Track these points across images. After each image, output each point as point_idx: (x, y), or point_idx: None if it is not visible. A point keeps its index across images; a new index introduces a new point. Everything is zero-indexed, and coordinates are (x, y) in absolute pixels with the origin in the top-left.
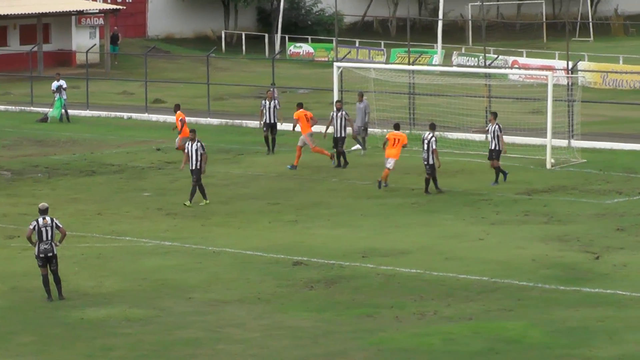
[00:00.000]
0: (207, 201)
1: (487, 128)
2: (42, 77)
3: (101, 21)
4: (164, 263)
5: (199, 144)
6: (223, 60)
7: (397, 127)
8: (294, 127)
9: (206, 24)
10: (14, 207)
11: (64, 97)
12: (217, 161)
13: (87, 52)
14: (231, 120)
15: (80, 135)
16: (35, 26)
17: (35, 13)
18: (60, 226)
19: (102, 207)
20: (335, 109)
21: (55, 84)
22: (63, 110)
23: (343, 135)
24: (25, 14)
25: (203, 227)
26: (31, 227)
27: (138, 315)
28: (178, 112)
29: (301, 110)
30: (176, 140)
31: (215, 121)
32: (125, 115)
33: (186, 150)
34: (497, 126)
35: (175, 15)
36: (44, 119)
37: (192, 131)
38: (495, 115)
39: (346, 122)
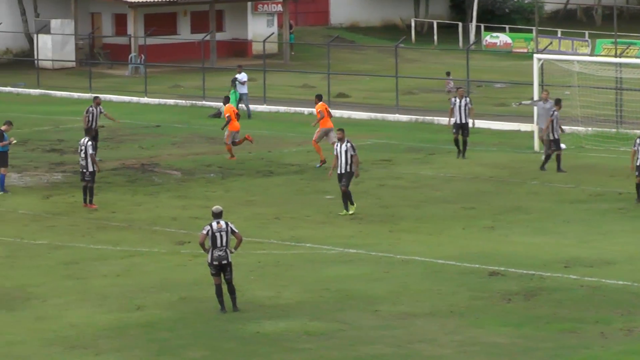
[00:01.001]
0: (350, 212)
1: None
2: (214, 69)
3: (279, 8)
4: (347, 272)
5: (349, 144)
6: (412, 51)
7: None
8: (317, 121)
9: (394, 12)
10: (184, 210)
11: (244, 90)
12: (406, 161)
13: (264, 41)
14: (421, 117)
15: (257, 132)
16: (208, 13)
17: None
18: (236, 231)
19: (280, 211)
20: (458, 95)
21: (240, 77)
22: (242, 105)
23: (465, 122)
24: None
25: (391, 233)
26: (204, 232)
27: (319, 329)
28: (227, 105)
29: (321, 103)
30: (225, 134)
31: (404, 117)
32: (306, 110)
33: (335, 152)
34: None
35: (361, 2)
36: (217, 114)
37: (341, 130)
38: None
39: (469, 111)
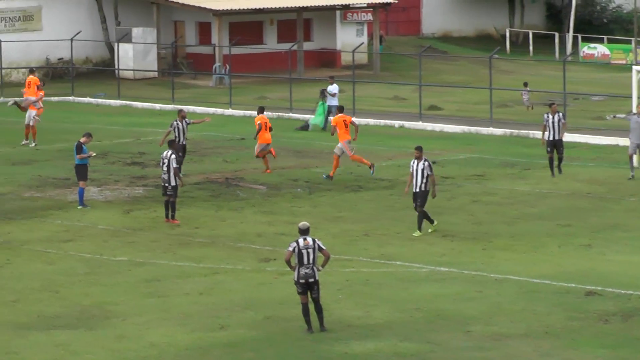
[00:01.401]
0: (430, 230)
1: None
2: (302, 79)
3: (369, 17)
4: (439, 291)
5: (426, 162)
6: (507, 62)
7: None
8: (332, 133)
9: (489, 21)
10: (270, 226)
11: (334, 103)
12: (500, 176)
13: (353, 51)
14: (516, 130)
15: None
16: (295, 22)
17: (296, 7)
18: (323, 248)
19: (369, 227)
20: (550, 111)
21: (331, 89)
22: (331, 118)
23: (558, 138)
24: (284, 7)
25: (484, 251)
26: (290, 248)
27: (410, 350)
28: (259, 115)
29: (340, 115)
30: (255, 147)
31: (498, 131)
32: (397, 123)
33: (411, 170)
34: None
35: (454, 11)
36: (305, 126)
37: (418, 148)
38: None
39: (562, 127)
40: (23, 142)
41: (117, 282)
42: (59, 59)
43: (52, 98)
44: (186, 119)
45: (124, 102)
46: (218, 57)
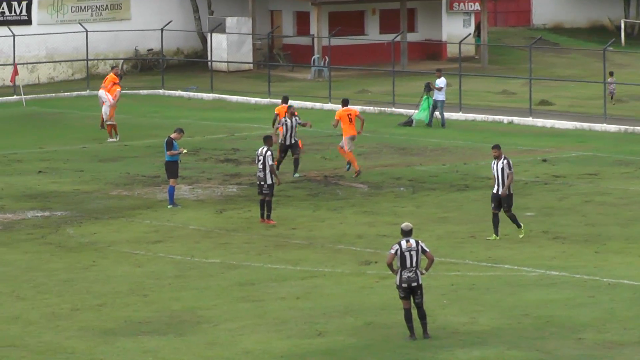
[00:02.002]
0: (520, 236)
1: None
2: (405, 72)
3: (477, 7)
4: (549, 296)
5: (505, 161)
6: (622, 55)
7: None
8: (335, 126)
9: (602, 12)
10: (371, 227)
11: (441, 97)
12: (614, 175)
13: (460, 42)
14: (632, 127)
15: (451, 142)
16: (399, 11)
17: None
18: (427, 250)
19: (476, 229)
20: None
21: (439, 82)
22: (437, 113)
23: None
24: None
25: (597, 255)
26: (392, 251)
27: (517, 358)
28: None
29: (345, 108)
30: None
31: (612, 127)
32: (505, 119)
33: (493, 171)
34: None
35: (566, 1)
36: (409, 122)
37: (496, 147)
38: None
39: None
40: (109, 140)
41: (209, 285)
42: (148, 50)
43: (141, 91)
44: (297, 117)
45: (217, 95)
46: (317, 48)
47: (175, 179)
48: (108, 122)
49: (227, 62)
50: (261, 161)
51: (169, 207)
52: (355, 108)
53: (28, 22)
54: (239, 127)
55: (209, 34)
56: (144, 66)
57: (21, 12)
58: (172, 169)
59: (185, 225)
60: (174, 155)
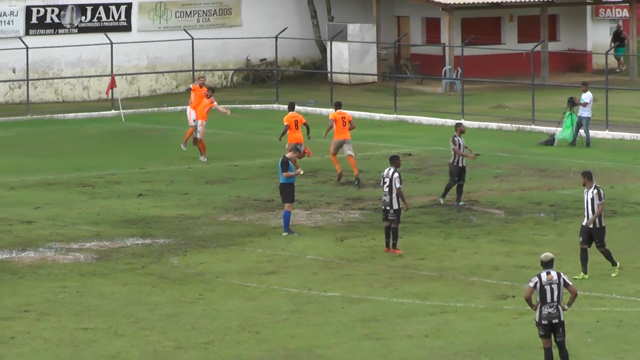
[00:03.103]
0: (613, 275)
1: None
2: (546, 86)
3: (625, 13)
4: None
5: (595, 190)
6: None
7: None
8: (327, 131)
9: None
10: (508, 257)
11: (586, 114)
12: None
13: (606, 53)
14: None
15: (596, 163)
16: (539, 18)
17: (540, 1)
18: (570, 284)
19: (624, 259)
20: None
21: (584, 97)
22: (582, 131)
23: None
24: (526, 1)
25: None
26: (531, 284)
27: None
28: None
29: (338, 111)
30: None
31: None
32: None
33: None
34: None
35: None
36: (550, 140)
37: (586, 174)
38: None
39: None
40: (200, 158)
41: (328, 321)
42: (261, 60)
43: (254, 106)
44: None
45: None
46: (448, 58)
47: (291, 204)
48: (198, 137)
49: (349, 73)
50: (387, 184)
51: (284, 234)
52: (349, 113)
53: (127, 28)
54: (362, 146)
55: (328, 42)
56: (257, 78)
57: (120, 17)
58: (287, 192)
59: (302, 254)
60: (289, 177)
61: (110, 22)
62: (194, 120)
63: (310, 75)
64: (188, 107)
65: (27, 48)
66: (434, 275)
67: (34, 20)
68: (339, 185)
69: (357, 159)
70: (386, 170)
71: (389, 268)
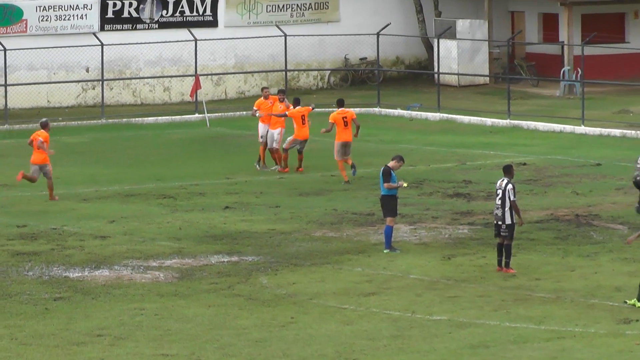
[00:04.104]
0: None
1: None
2: None
3: None
4: None
5: None
6: None
7: None
8: (329, 130)
9: None
10: (632, 277)
11: None
12: None
13: None
14: None
15: None
16: None
17: None
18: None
19: None
20: None
21: None
22: None
23: None
24: None
25: None
26: None
27: None
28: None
29: (339, 110)
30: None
31: None
32: None
33: None
34: None
35: None
36: None
37: None
38: None
39: None
40: (272, 168)
41: (434, 348)
42: (361, 60)
43: (352, 109)
44: None
45: (445, 115)
46: (567, 58)
47: (393, 218)
48: (274, 146)
49: (458, 74)
50: (500, 196)
51: (385, 251)
52: (351, 110)
53: (213, 24)
54: (471, 155)
55: (435, 40)
56: (356, 79)
57: (205, 11)
58: (389, 205)
59: (405, 274)
60: (392, 189)
61: (194, 16)
62: (265, 134)
63: (415, 76)
64: (259, 124)
65: (102, 45)
66: (551, 298)
67: (109, 15)
68: (446, 197)
69: (465, 168)
70: (499, 182)
71: (500, 289)
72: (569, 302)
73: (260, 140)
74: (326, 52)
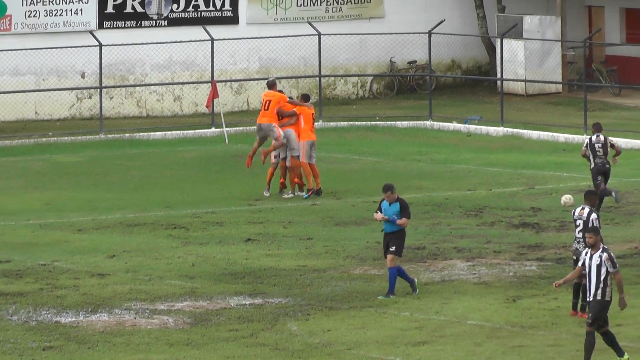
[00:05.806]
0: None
1: None
2: None
3: None
4: None
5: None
6: None
7: None
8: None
9: None
10: None
11: None
12: None
13: None
14: None
15: None
16: None
17: None
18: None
19: None
20: None
21: None
22: None
23: None
24: None
25: None
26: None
27: None
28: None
29: (306, 104)
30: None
31: None
32: None
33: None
34: None
35: None
36: None
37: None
38: None
39: None
40: (286, 195)
41: None
42: (409, 63)
43: (399, 123)
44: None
45: (509, 130)
46: None
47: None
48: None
49: (525, 80)
50: (580, 227)
51: (379, 297)
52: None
53: (234, 20)
54: (541, 177)
55: (498, 40)
56: (403, 86)
57: (223, 6)
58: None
59: (461, 318)
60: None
61: (210, 11)
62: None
63: (475, 83)
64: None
65: (100, 45)
66: (635, 347)
67: (109, 10)
68: (510, 227)
69: (533, 193)
70: (578, 210)
71: (575, 337)
72: None
73: (273, 160)
74: (368, 54)
